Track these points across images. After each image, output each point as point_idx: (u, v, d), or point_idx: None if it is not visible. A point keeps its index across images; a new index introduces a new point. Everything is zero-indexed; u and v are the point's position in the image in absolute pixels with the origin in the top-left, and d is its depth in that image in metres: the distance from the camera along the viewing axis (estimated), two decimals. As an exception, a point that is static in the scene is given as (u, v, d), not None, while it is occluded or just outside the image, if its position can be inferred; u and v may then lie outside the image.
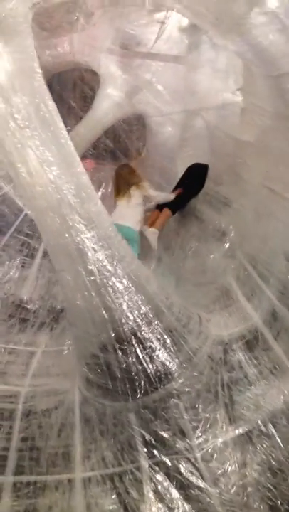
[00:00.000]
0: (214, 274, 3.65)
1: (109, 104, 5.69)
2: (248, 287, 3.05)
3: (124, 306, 2.47)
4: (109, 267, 2.49)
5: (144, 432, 2.31)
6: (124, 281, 2.50)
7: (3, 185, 5.27)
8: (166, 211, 4.51)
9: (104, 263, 2.48)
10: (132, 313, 2.48)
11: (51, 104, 2.54)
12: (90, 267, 2.48)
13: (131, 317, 2.47)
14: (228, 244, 3.80)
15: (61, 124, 2.55)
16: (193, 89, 4.47)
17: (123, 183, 4.36)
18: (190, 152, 5.25)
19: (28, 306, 4.07)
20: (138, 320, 2.47)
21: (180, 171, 5.13)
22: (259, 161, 3.41)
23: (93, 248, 2.48)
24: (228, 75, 3.89)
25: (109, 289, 2.48)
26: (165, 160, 5.62)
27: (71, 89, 6.98)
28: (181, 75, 4.49)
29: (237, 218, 3.76)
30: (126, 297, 2.48)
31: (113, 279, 2.48)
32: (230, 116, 3.96)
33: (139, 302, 2.51)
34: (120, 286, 2.49)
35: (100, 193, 6.02)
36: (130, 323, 2.46)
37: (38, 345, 3.58)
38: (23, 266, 4.76)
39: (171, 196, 4.43)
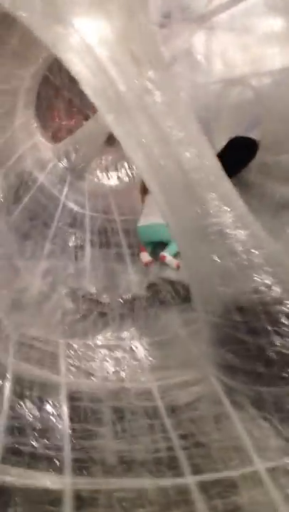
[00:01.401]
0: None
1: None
2: None
3: (276, 287, 2.35)
4: (252, 247, 2.36)
5: None
6: (270, 260, 2.37)
7: (37, 175, 5.04)
8: None
9: (247, 243, 2.34)
10: (283, 293, 2.35)
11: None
12: (233, 249, 2.34)
13: (284, 297, 2.35)
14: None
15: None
16: (238, 55, 4.30)
17: None
18: (227, 123, 5.09)
19: (102, 300, 3.90)
20: (290, 300, 2.35)
21: (217, 143, 4.98)
22: None
23: (235, 228, 2.34)
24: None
25: (259, 270, 2.34)
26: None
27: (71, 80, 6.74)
28: (227, 41, 4.31)
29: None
30: (275, 277, 2.36)
31: (260, 259, 2.35)
32: (294, 80, 3.83)
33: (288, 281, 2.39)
34: (268, 267, 2.36)
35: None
36: (283, 303, 2.34)
37: (131, 339, 3.43)
38: (75, 258, 4.58)
39: None
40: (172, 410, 2.52)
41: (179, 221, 2.46)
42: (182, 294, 4.08)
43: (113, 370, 2.94)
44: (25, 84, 4.88)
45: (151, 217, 4.24)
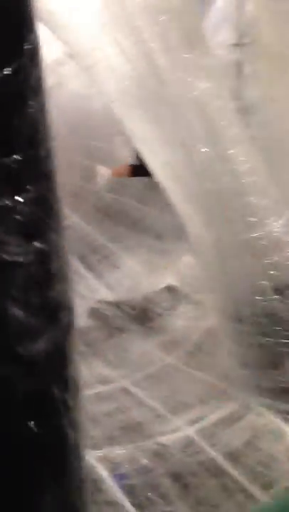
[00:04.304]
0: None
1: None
2: None
3: None
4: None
5: None
6: None
7: None
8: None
9: None
10: None
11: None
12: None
13: None
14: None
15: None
16: None
17: None
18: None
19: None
20: None
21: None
22: None
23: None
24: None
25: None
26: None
27: None
28: None
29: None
30: None
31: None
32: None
33: None
34: None
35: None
36: None
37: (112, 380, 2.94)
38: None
39: None
40: (234, 457, 2.13)
41: (218, 234, 2.08)
42: (132, 315, 3.67)
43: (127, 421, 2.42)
44: None
45: None
